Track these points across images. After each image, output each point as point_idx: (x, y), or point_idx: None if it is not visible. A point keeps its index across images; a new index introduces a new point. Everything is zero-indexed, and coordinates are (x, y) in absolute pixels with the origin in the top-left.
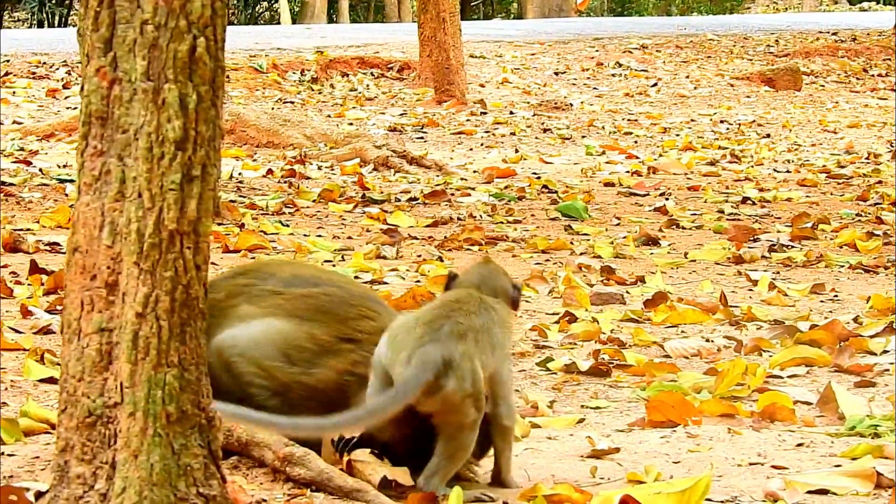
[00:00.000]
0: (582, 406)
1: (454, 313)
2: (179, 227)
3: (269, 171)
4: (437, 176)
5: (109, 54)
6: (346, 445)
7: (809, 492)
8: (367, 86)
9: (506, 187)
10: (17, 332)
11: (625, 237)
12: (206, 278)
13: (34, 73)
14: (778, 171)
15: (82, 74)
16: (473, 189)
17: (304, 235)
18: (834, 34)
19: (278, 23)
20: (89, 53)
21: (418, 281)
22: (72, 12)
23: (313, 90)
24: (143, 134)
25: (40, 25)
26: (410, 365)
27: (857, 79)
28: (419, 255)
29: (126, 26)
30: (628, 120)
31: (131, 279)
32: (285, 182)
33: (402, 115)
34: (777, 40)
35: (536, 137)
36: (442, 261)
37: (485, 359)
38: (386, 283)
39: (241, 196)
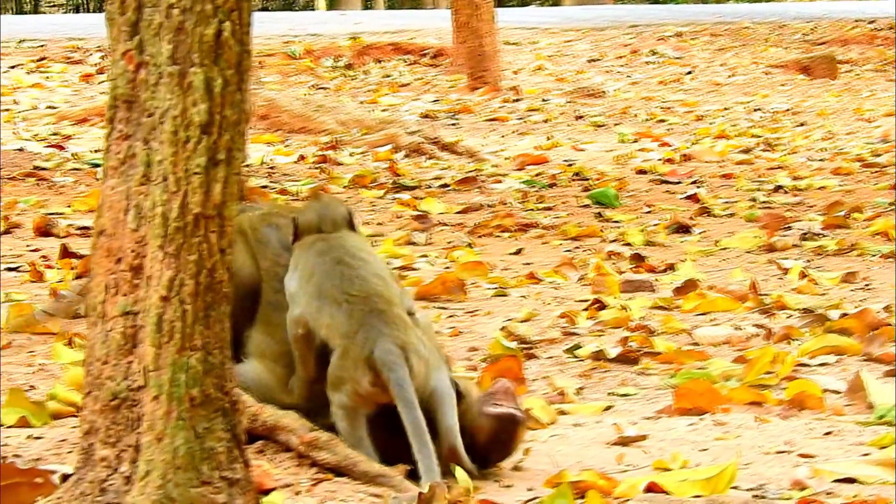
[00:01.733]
0: (610, 393)
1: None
2: (204, 210)
3: (302, 157)
4: (470, 162)
5: (135, 38)
6: None
7: (836, 480)
8: (401, 72)
9: (538, 174)
10: (48, 315)
11: (656, 225)
12: (230, 262)
13: (69, 58)
14: (812, 160)
15: (110, 58)
16: (505, 176)
17: None
18: (871, 22)
19: (314, 9)
20: (116, 37)
21: (448, 267)
22: None
23: (347, 76)
24: (169, 117)
25: (76, 10)
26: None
27: (895, 67)
28: (449, 242)
29: (152, 10)
30: (662, 108)
31: (156, 262)
32: (317, 168)
33: (435, 101)
34: (814, 28)
35: (570, 125)
36: (472, 247)
37: None
38: (416, 269)
39: (272, 182)
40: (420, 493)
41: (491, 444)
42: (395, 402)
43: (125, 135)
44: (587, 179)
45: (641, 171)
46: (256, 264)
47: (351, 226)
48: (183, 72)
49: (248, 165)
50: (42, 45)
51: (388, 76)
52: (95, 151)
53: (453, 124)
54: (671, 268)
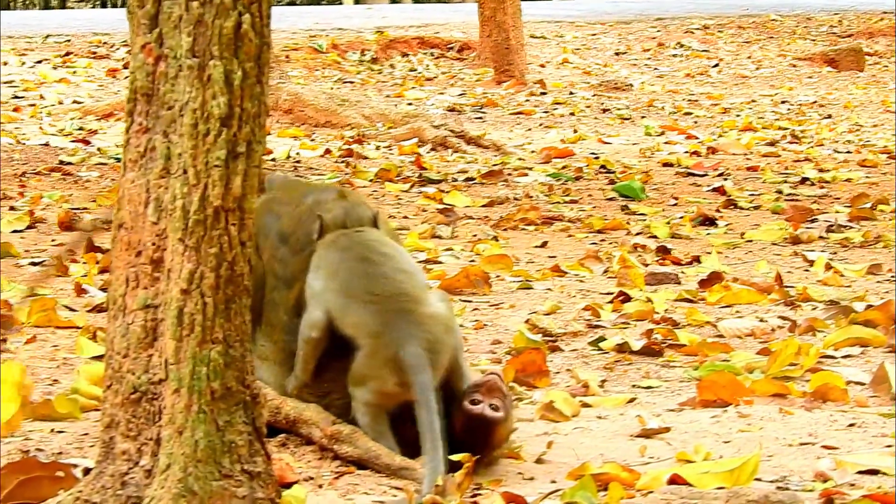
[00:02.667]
0: (633, 386)
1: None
2: (224, 203)
3: (327, 151)
4: (495, 156)
5: (155, 31)
6: None
7: (860, 472)
8: (427, 66)
9: (563, 167)
10: (71, 310)
11: (681, 217)
12: (250, 255)
13: (95, 53)
14: (838, 152)
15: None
16: (531, 169)
17: None
18: None
19: (340, 3)
20: (135, 30)
21: (473, 260)
22: None
23: (373, 70)
24: (189, 110)
25: (103, 6)
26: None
27: None
28: (474, 235)
29: (171, 3)
30: (688, 100)
31: (176, 255)
32: (342, 162)
33: (461, 95)
34: (840, 20)
35: (595, 118)
36: (497, 240)
37: None
38: (440, 262)
39: (297, 175)
40: (436, 485)
41: (466, 440)
42: (416, 404)
43: (145, 128)
44: (612, 172)
45: (667, 164)
46: (258, 257)
47: (375, 224)
48: (202, 64)
49: (273, 160)
50: (68, 41)
51: (414, 70)
52: (120, 146)
53: (479, 118)
54: (696, 260)
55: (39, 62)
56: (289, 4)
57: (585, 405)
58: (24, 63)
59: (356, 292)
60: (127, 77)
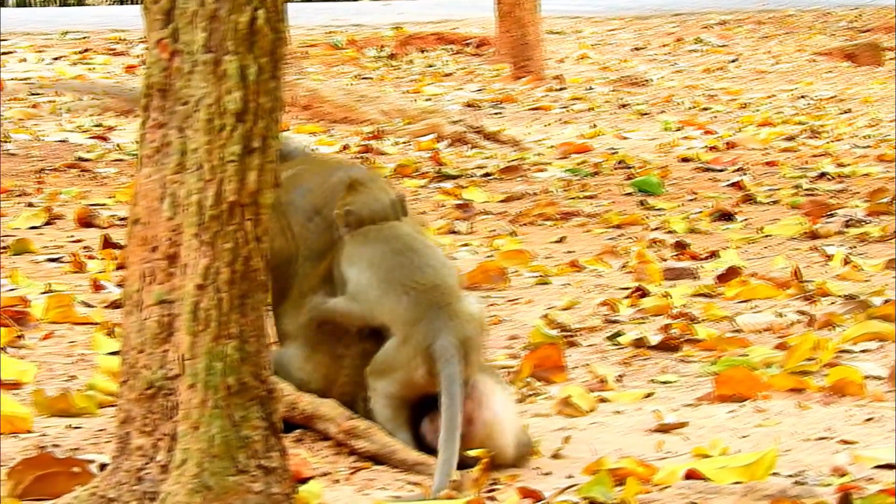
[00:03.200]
0: (650, 381)
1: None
2: (239, 198)
3: (345, 147)
4: (513, 151)
5: (170, 26)
6: None
7: (877, 466)
8: (445, 62)
9: (581, 163)
10: (88, 306)
11: (699, 212)
12: (266, 250)
13: (113, 50)
14: (857, 147)
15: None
16: (549, 164)
17: None
18: None
19: None
20: (150, 25)
21: (490, 256)
22: None
23: (391, 66)
24: (204, 106)
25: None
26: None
27: None
28: (492, 230)
29: None
30: (707, 96)
31: (191, 251)
32: (360, 158)
33: (479, 90)
34: (859, 15)
35: (613, 113)
36: (514, 236)
37: None
38: (457, 257)
39: None
40: (453, 481)
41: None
42: (441, 394)
43: (160, 123)
44: (630, 167)
45: (685, 159)
46: (289, 234)
47: (403, 208)
48: (217, 60)
49: None
50: (86, 37)
51: (432, 66)
52: (138, 142)
53: (497, 113)
54: (714, 255)
55: (57, 58)
56: (306, 0)
57: (602, 400)
58: (42, 59)
59: (396, 281)
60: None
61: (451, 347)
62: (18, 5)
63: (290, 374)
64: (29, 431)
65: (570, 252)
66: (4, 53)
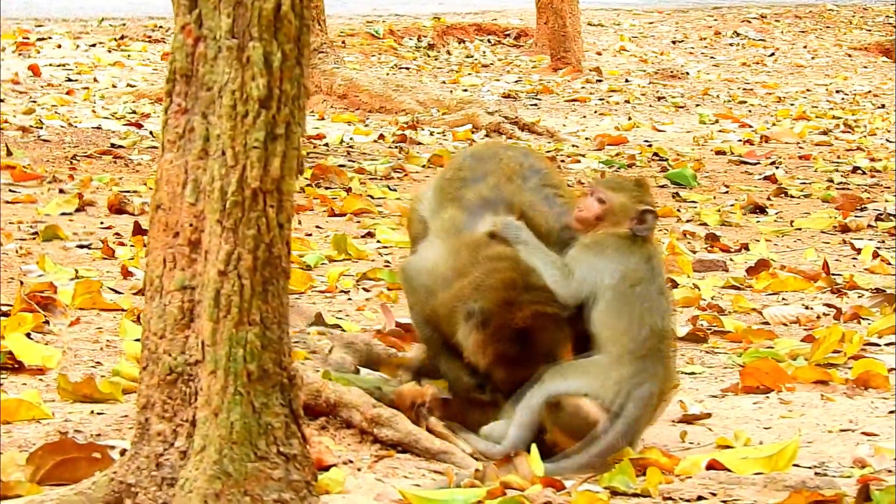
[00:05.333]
0: (677, 371)
1: None
2: (262, 185)
3: (381, 136)
4: (549, 142)
5: (195, 11)
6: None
7: None
8: (484, 52)
9: (616, 154)
10: (116, 292)
11: (732, 205)
12: (289, 237)
13: (150, 37)
14: (890, 142)
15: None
16: (584, 156)
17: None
18: None
19: None
20: (176, 11)
21: None
22: None
23: (429, 56)
24: (227, 91)
25: None
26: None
27: None
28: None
29: None
30: (744, 89)
31: (214, 237)
32: (396, 147)
33: (516, 81)
34: None
35: (650, 105)
36: None
37: None
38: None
39: (350, 160)
40: (475, 470)
41: None
42: (608, 434)
43: (183, 109)
44: (665, 160)
45: (720, 152)
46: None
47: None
48: (241, 46)
49: (326, 144)
50: (123, 24)
51: (470, 56)
52: None
53: (534, 104)
54: (745, 247)
55: (94, 45)
56: None
57: None
58: (77, 46)
59: (641, 310)
60: None
61: (648, 399)
62: None
63: None
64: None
65: None
66: (40, 39)
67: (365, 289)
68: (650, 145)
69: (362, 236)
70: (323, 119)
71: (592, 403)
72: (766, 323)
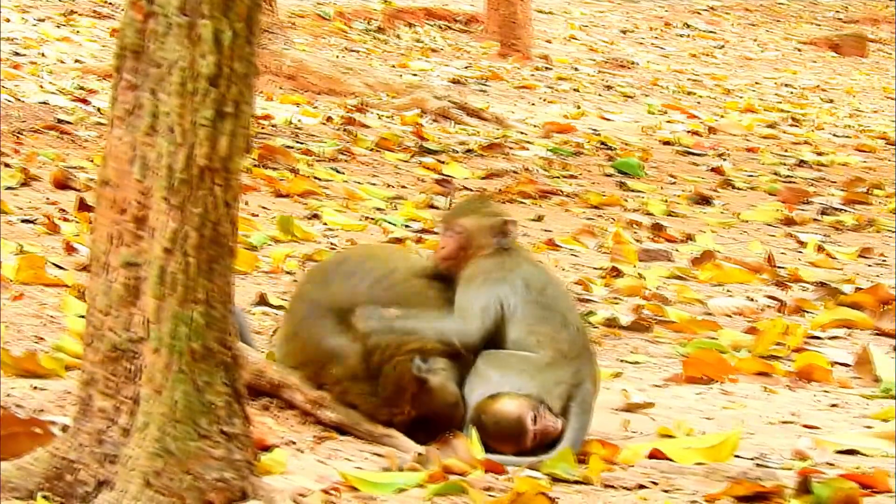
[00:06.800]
0: (620, 360)
1: None
2: (210, 163)
3: (328, 119)
4: (496, 129)
5: None
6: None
7: (839, 451)
8: (433, 37)
9: (564, 142)
10: (60, 268)
11: (678, 195)
12: (235, 216)
13: (98, 13)
14: (837, 136)
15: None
16: (531, 143)
17: (358, 183)
18: None
19: None
20: None
21: None
22: None
23: (378, 40)
24: (177, 69)
25: None
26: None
27: None
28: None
29: None
30: (692, 80)
31: (160, 214)
32: (343, 130)
33: (466, 67)
34: (846, 6)
35: (599, 94)
36: None
37: None
38: (436, 232)
39: (297, 142)
40: (418, 454)
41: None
42: (564, 433)
43: (132, 85)
44: (612, 149)
45: (667, 143)
46: None
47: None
48: (192, 23)
49: (274, 125)
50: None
51: (420, 41)
52: None
53: (482, 91)
54: (690, 238)
55: (42, 20)
56: None
57: None
58: (26, 20)
59: (560, 312)
60: None
61: (590, 399)
62: None
63: None
64: None
65: (547, 231)
66: None
67: None
68: (598, 134)
69: (308, 218)
70: (271, 100)
71: (520, 403)
72: (710, 314)
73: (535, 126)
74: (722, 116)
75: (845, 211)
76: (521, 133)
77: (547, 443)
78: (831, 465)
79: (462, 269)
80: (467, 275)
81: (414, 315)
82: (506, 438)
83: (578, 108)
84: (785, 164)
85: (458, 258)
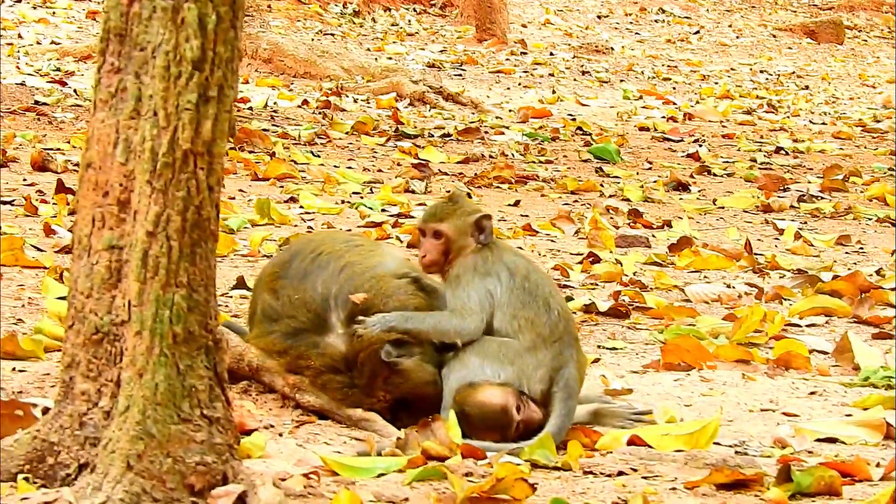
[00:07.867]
0: (598, 346)
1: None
2: (194, 147)
3: (305, 102)
4: (473, 113)
5: None
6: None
7: (818, 440)
8: (409, 21)
9: (540, 127)
10: (39, 250)
11: (655, 181)
12: (218, 200)
13: None
14: (814, 123)
15: None
16: (507, 128)
17: (335, 166)
18: None
19: None
20: None
21: None
22: None
23: (355, 23)
24: (161, 52)
25: None
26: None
27: None
28: (448, 191)
29: None
30: (668, 66)
31: (143, 197)
32: (320, 113)
33: (441, 51)
34: None
35: (575, 79)
36: (471, 197)
37: None
38: (413, 216)
39: (274, 125)
40: (398, 438)
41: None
42: (549, 418)
43: (116, 68)
44: (589, 134)
45: (644, 128)
46: None
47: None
48: (176, 7)
49: (251, 108)
50: None
51: (396, 25)
52: None
53: (458, 75)
54: (667, 224)
55: (19, 1)
56: None
57: None
58: (2, 2)
59: (542, 296)
60: None
61: (575, 384)
62: None
63: None
64: None
65: (524, 216)
66: None
67: None
68: (574, 119)
69: (285, 201)
70: (247, 83)
71: (504, 392)
72: (688, 300)
73: (511, 111)
74: (698, 102)
75: (823, 198)
76: (498, 118)
77: (530, 430)
78: (811, 452)
79: (448, 270)
80: (455, 274)
81: (413, 315)
82: (490, 428)
83: (554, 92)
84: (762, 151)
85: (442, 263)
